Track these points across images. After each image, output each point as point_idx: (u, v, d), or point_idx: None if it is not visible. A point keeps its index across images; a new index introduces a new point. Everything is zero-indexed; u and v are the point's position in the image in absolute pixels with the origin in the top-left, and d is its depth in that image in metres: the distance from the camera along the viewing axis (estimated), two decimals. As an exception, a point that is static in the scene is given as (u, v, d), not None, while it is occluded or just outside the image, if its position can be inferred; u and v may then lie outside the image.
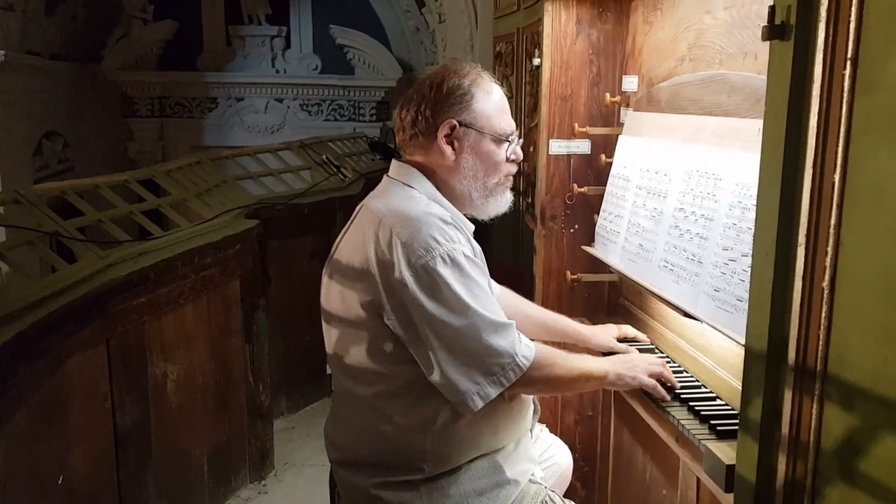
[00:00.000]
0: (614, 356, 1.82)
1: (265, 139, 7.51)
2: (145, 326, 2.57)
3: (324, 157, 4.42)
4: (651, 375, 1.70)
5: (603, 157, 2.31)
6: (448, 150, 1.59)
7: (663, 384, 1.71)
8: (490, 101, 1.62)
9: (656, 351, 2.01)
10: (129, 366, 2.50)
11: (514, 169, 1.69)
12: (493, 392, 1.48)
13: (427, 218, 1.49)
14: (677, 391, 1.73)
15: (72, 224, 2.50)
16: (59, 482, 2.12)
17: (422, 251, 1.44)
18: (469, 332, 1.45)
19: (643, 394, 1.75)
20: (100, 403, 2.36)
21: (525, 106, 3.43)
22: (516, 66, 3.61)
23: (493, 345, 1.46)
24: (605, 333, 2.02)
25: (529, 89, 3.39)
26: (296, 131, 7.48)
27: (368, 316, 1.51)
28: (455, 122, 1.58)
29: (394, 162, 1.68)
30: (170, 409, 2.73)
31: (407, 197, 1.57)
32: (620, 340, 2.02)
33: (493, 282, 1.97)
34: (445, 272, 1.44)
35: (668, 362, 1.93)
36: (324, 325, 1.66)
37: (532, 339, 1.57)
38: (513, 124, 1.67)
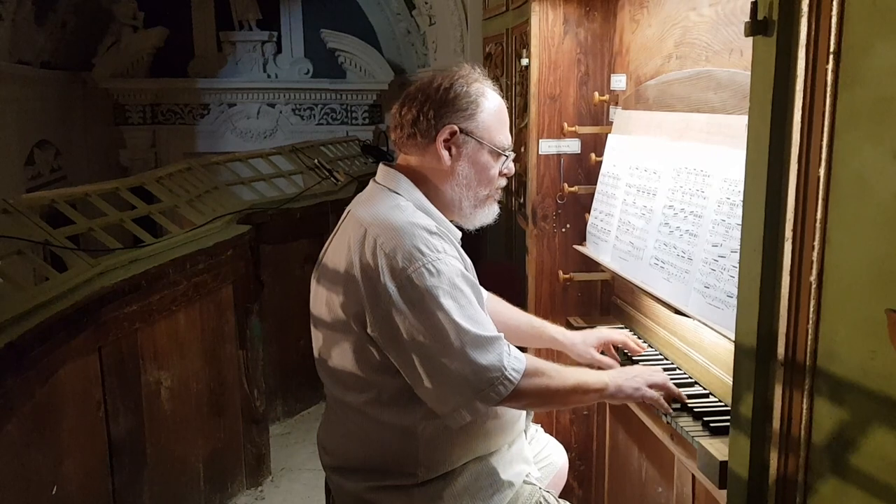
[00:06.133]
0: (618, 369, 1.77)
1: (258, 144, 7.51)
2: (138, 334, 2.56)
3: (315, 161, 4.41)
4: (652, 386, 1.64)
5: (593, 156, 2.31)
6: (445, 154, 1.57)
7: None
8: (493, 113, 1.60)
9: (664, 360, 1.95)
10: (122, 374, 2.49)
11: (504, 183, 1.67)
12: (483, 408, 1.46)
13: (411, 228, 1.46)
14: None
15: (62, 233, 2.49)
16: (53, 492, 2.11)
17: (405, 262, 1.42)
18: (454, 347, 1.41)
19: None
20: (93, 412, 2.35)
21: (515, 106, 3.44)
22: (506, 66, 3.62)
23: (479, 360, 1.42)
24: (585, 343, 1.93)
25: (519, 90, 3.39)
26: (288, 136, 7.49)
27: (353, 324, 1.49)
28: (457, 128, 1.56)
29: (381, 166, 1.65)
30: (164, 416, 2.72)
31: (393, 205, 1.54)
32: (607, 350, 1.94)
33: (480, 288, 1.96)
34: (430, 284, 1.41)
35: (662, 360, 1.94)
36: (312, 329, 1.65)
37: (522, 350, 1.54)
38: (510, 139, 1.65)
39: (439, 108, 1.56)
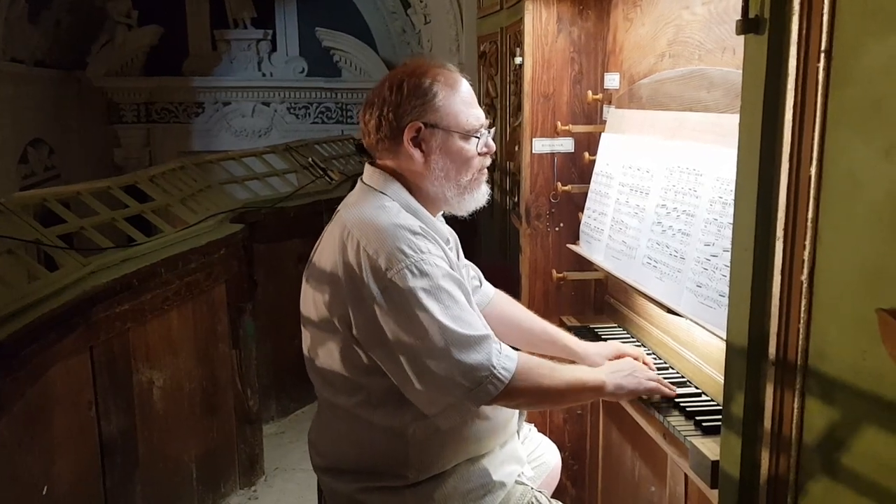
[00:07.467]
0: (608, 364, 1.76)
1: (253, 143, 7.48)
2: (129, 333, 2.55)
3: (309, 159, 4.40)
4: (650, 379, 1.68)
5: (586, 154, 2.31)
6: (416, 153, 1.54)
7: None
8: (454, 96, 1.55)
9: (657, 359, 1.93)
10: (114, 373, 2.48)
11: (487, 161, 1.63)
12: (473, 407, 1.46)
13: (395, 230, 1.45)
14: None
15: (53, 232, 2.48)
16: (44, 492, 2.10)
17: (388, 264, 1.40)
18: (439, 348, 1.40)
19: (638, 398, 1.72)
20: (84, 412, 2.34)
21: (509, 105, 3.43)
22: (500, 65, 3.61)
23: (466, 360, 1.40)
24: (599, 355, 1.85)
25: (514, 88, 3.39)
26: (283, 135, 7.47)
27: (338, 325, 1.48)
28: (420, 124, 1.52)
29: (367, 166, 1.63)
30: (156, 416, 2.71)
31: (378, 206, 1.52)
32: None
33: (487, 284, 1.93)
34: (413, 285, 1.40)
35: (654, 359, 1.93)
36: (302, 328, 1.63)
37: (516, 349, 1.53)
38: (481, 116, 1.60)
39: (397, 109, 1.52)
